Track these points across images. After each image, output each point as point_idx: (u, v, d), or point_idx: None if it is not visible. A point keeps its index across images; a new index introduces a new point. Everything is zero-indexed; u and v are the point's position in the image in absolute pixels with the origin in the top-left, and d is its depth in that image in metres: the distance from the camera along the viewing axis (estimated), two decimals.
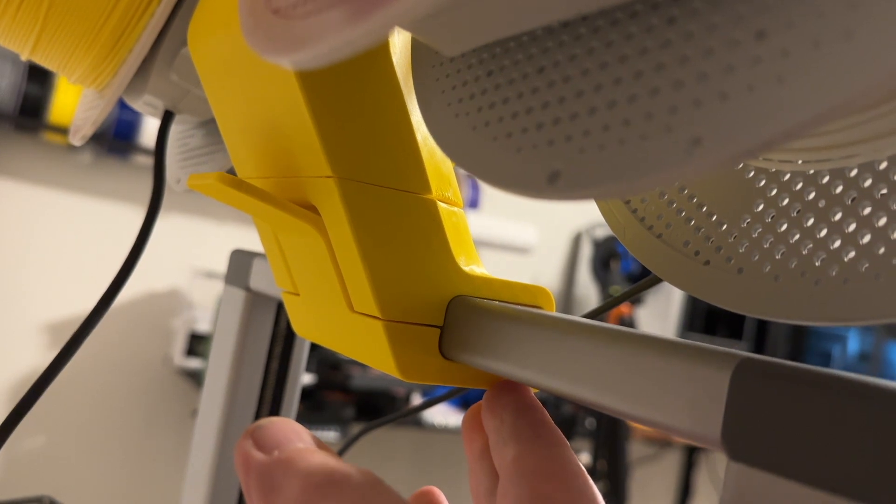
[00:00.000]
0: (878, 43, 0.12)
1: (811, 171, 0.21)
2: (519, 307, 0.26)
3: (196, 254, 2.19)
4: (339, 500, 0.18)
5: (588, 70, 0.17)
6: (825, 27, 0.13)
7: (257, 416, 0.47)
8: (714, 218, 0.24)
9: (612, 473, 2.09)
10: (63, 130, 1.90)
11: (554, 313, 0.25)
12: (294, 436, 0.20)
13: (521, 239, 2.50)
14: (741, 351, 0.18)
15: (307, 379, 2.02)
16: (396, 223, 0.27)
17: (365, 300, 0.27)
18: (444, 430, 2.21)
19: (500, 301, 0.28)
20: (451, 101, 0.21)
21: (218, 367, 0.47)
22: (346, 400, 2.07)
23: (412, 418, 2.13)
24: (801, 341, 2.71)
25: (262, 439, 0.20)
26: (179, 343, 2.05)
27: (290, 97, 0.26)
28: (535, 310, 0.26)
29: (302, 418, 1.96)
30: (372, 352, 0.28)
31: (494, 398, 0.27)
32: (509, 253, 2.50)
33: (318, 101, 0.26)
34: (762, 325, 2.67)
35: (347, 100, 0.26)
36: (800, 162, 0.21)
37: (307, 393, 2.05)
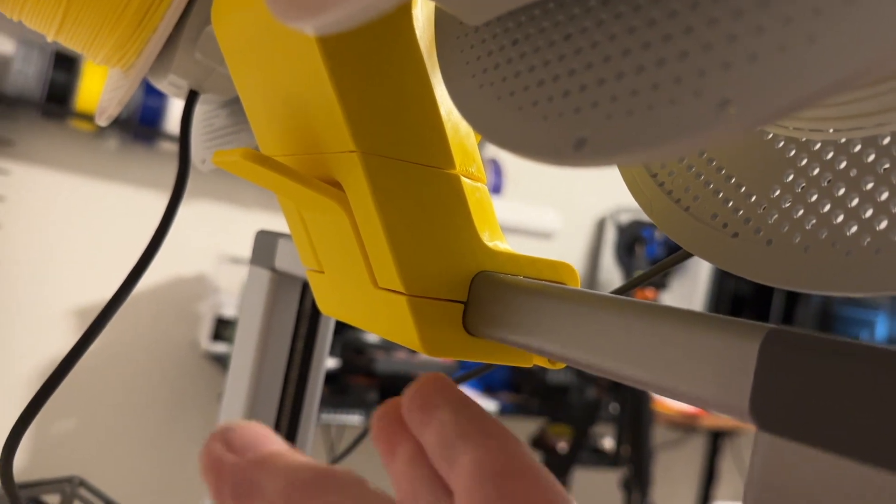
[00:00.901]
0: None
1: (843, 140, 0.21)
2: (544, 282, 0.26)
3: (222, 239, 2.20)
4: (325, 499, 0.17)
5: (615, 35, 0.17)
6: None
7: (283, 396, 0.47)
8: (743, 189, 0.23)
9: (636, 458, 2.08)
10: (89, 117, 1.91)
11: (579, 288, 0.25)
12: (266, 439, 0.19)
13: (544, 224, 2.49)
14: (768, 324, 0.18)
15: (331, 363, 2.03)
16: (420, 198, 0.27)
17: (389, 276, 0.27)
18: None
19: (524, 277, 0.27)
20: (476, 71, 0.21)
21: (244, 346, 0.47)
22: (369, 384, 2.08)
23: None
24: (828, 325, 2.69)
25: (234, 441, 0.19)
26: (206, 328, 2.07)
27: (314, 72, 0.26)
28: (560, 285, 0.26)
29: (326, 402, 1.97)
30: (396, 328, 0.28)
31: (423, 397, 0.23)
32: (532, 238, 2.49)
33: (342, 76, 0.26)
34: (789, 309, 2.65)
35: (371, 74, 0.26)
36: (831, 131, 0.21)
37: (331, 377, 2.06)
